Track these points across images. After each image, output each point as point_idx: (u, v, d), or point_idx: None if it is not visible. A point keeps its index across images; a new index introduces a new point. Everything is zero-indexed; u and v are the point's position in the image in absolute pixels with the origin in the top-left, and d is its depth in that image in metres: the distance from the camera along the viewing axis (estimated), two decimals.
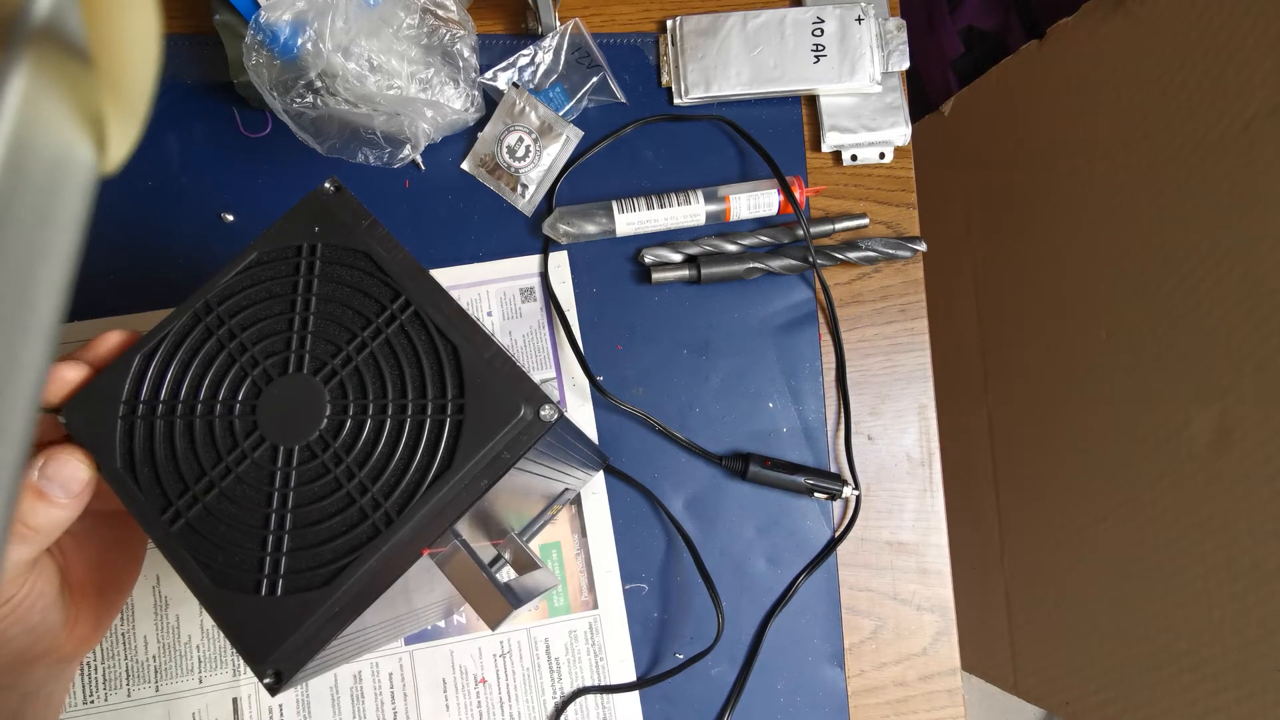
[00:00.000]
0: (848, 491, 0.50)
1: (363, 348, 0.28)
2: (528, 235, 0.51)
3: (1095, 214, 0.67)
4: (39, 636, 0.29)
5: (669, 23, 0.52)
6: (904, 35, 0.51)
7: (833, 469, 0.51)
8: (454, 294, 0.29)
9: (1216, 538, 0.55)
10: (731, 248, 0.50)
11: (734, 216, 0.51)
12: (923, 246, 0.51)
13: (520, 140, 0.50)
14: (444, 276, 0.51)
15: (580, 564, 0.50)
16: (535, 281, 0.51)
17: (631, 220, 0.50)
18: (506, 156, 0.50)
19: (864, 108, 0.52)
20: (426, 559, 0.27)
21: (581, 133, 0.51)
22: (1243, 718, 0.52)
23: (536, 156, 0.51)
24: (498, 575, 0.28)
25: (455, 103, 0.49)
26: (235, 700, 0.47)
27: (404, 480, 0.27)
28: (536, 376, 0.51)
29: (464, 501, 0.26)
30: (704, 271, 0.50)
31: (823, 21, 0.51)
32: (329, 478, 0.27)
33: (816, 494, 0.50)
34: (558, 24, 0.51)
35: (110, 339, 0.29)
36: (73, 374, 0.28)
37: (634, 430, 0.50)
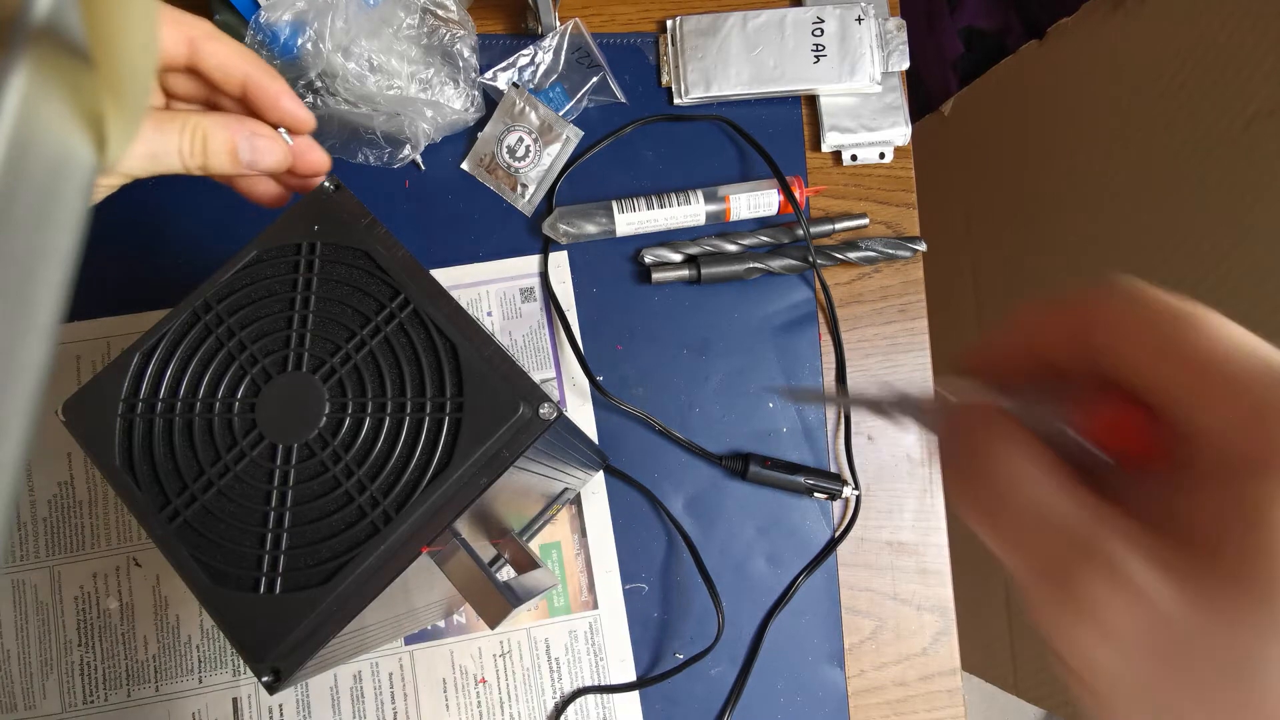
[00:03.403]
0: (848, 491, 0.50)
1: (361, 346, 0.28)
2: (528, 235, 0.51)
3: (1095, 214, 0.67)
4: None
5: (669, 23, 0.52)
6: (904, 35, 0.51)
7: (833, 469, 0.51)
8: (454, 294, 0.29)
9: None
10: (731, 248, 0.50)
11: (734, 216, 0.51)
12: (923, 246, 0.51)
13: (520, 140, 0.50)
14: (444, 276, 0.51)
15: (580, 564, 0.50)
16: (535, 281, 0.51)
17: (631, 220, 0.50)
18: (506, 156, 0.51)
19: (864, 108, 0.52)
20: (425, 557, 0.27)
21: (581, 133, 0.51)
22: None
23: (536, 156, 0.51)
24: (497, 574, 0.28)
25: (455, 103, 0.49)
26: (235, 700, 0.47)
27: (402, 478, 0.27)
28: (536, 376, 0.51)
29: (463, 500, 0.26)
30: (704, 271, 0.50)
31: (823, 21, 0.51)
32: (327, 476, 0.27)
33: (816, 494, 0.50)
34: (558, 24, 0.51)
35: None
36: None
37: (634, 430, 0.50)
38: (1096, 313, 0.16)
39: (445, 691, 0.48)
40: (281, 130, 0.31)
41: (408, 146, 0.49)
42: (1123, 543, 0.14)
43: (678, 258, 0.50)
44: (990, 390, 0.19)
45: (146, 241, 0.50)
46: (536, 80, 0.51)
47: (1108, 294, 0.16)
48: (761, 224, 0.52)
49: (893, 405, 0.21)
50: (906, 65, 0.51)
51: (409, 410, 0.27)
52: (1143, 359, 0.15)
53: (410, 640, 0.48)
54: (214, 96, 0.31)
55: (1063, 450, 0.17)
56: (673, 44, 0.52)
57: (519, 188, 0.51)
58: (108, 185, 0.30)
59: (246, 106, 0.31)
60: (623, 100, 0.52)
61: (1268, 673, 0.13)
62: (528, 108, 0.50)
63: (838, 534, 0.50)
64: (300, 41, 0.43)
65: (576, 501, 0.50)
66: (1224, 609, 0.13)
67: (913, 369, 0.52)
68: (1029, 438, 0.17)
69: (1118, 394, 0.16)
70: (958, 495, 0.18)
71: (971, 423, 0.18)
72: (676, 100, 0.52)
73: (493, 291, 0.51)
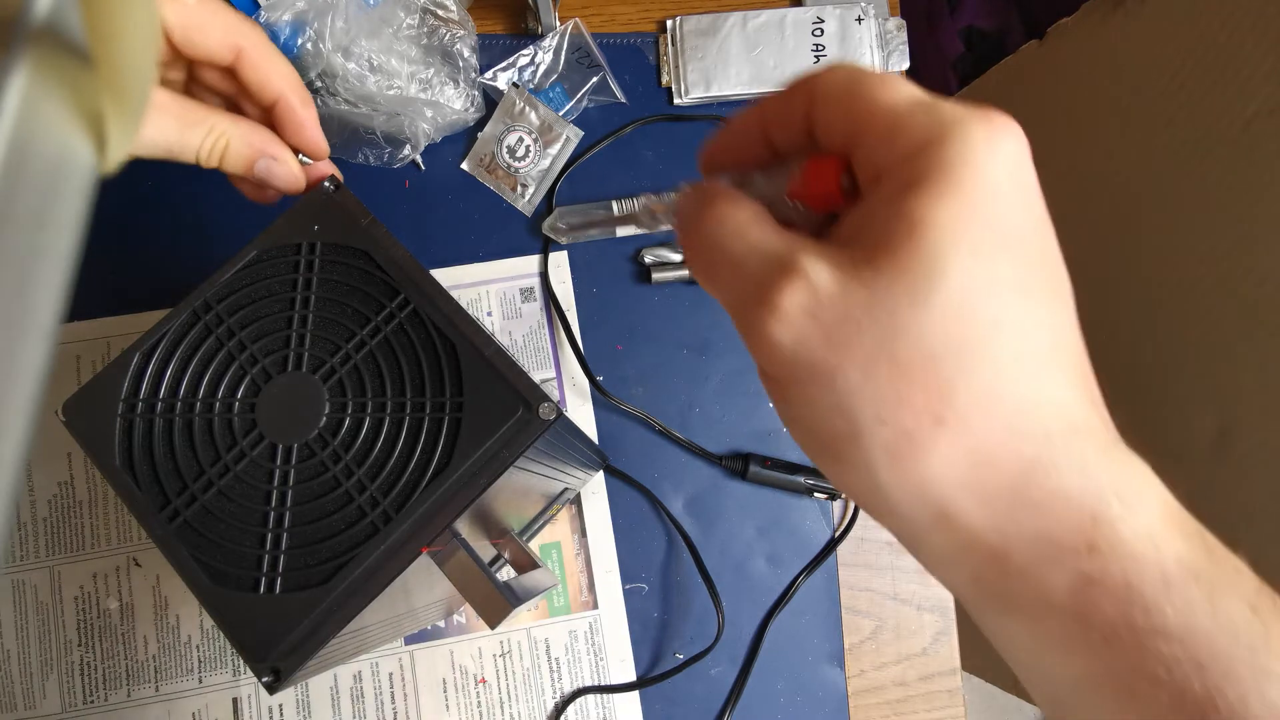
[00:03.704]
0: None
1: (361, 346, 0.28)
2: (528, 235, 0.51)
3: (1094, 214, 0.67)
4: None
5: (669, 23, 0.52)
6: (904, 35, 0.51)
7: None
8: (454, 294, 0.29)
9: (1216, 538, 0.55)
10: None
11: None
12: None
13: (520, 140, 0.50)
14: (444, 276, 0.51)
15: (580, 564, 0.50)
16: (535, 281, 0.51)
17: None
18: (506, 156, 0.51)
19: None
20: (425, 557, 0.27)
21: (581, 133, 0.51)
22: None
23: (536, 156, 0.51)
24: (497, 574, 0.28)
25: (455, 103, 0.49)
26: (235, 700, 0.47)
27: (402, 478, 0.27)
28: (536, 376, 0.51)
29: (463, 500, 0.26)
30: None
31: (823, 21, 0.51)
32: (327, 475, 0.27)
33: (816, 494, 0.50)
34: (558, 24, 0.51)
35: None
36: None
37: (634, 430, 0.50)
38: (809, 89, 0.19)
39: (445, 691, 0.48)
40: (301, 155, 0.31)
41: (408, 146, 0.49)
42: (809, 255, 0.18)
43: (678, 257, 0.50)
44: (726, 178, 0.22)
45: (146, 241, 0.50)
46: (536, 80, 0.51)
47: (817, 75, 0.19)
48: None
49: (647, 212, 0.24)
50: (906, 65, 0.51)
51: (409, 410, 0.27)
52: (837, 118, 0.19)
53: (410, 640, 0.48)
54: (242, 100, 0.32)
55: (779, 214, 0.20)
56: (673, 44, 0.52)
57: (519, 188, 0.51)
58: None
59: (270, 120, 0.31)
60: (623, 100, 0.52)
61: (910, 331, 0.17)
62: (528, 108, 0.50)
63: (838, 534, 0.50)
64: (300, 41, 0.43)
65: (576, 501, 0.50)
66: (881, 288, 0.17)
67: None
68: (745, 199, 0.20)
69: (823, 156, 0.19)
70: (690, 258, 0.21)
71: (699, 195, 0.21)
72: (676, 100, 0.52)
73: (493, 291, 0.51)
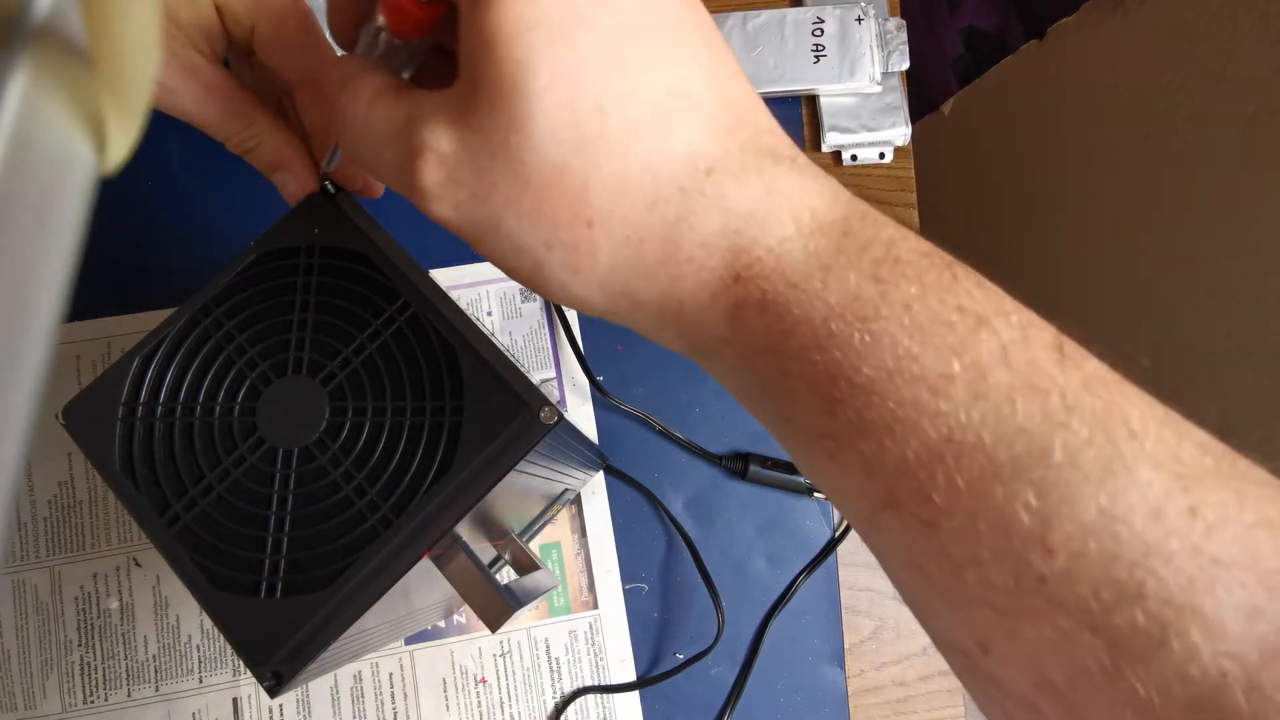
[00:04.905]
0: None
1: (361, 350, 0.28)
2: None
3: (1095, 214, 0.67)
4: None
5: None
6: (904, 35, 0.51)
7: None
8: (454, 294, 0.29)
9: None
10: None
11: None
12: None
13: None
14: (444, 276, 0.51)
15: (580, 564, 0.50)
16: None
17: None
18: None
19: (864, 108, 0.52)
20: (426, 561, 0.27)
21: None
22: None
23: None
24: (497, 576, 0.28)
25: None
26: (235, 700, 0.47)
27: (403, 483, 0.27)
28: (536, 376, 0.51)
29: (463, 504, 0.26)
30: None
31: (823, 21, 0.51)
32: (328, 480, 0.27)
33: (816, 494, 0.50)
34: None
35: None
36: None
37: (634, 430, 0.50)
38: None
39: (445, 691, 0.48)
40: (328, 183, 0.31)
41: None
42: (425, 124, 0.18)
43: None
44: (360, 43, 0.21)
45: (147, 241, 0.50)
46: None
47: None
48: None
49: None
50: (906, 65, 0.51)
51: (409, 415, 0.27)
52: None
53: (410, 640, 0.48)
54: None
55: (400, 66, 0.19)
56: None
57: None
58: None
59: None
60: None
61: (528, 155, 0.17)
62: None
63: (838, 534, 0.50)
64: None
65: (576, 501, 0.50)
66: (488, 126, 0.17)
67: None
68: (366, 73, 0.20)
69: None
70: (354, 157, 0.21)
71: (339, 88, 0.20)
72: None
73: (493, 291, 0.51)
